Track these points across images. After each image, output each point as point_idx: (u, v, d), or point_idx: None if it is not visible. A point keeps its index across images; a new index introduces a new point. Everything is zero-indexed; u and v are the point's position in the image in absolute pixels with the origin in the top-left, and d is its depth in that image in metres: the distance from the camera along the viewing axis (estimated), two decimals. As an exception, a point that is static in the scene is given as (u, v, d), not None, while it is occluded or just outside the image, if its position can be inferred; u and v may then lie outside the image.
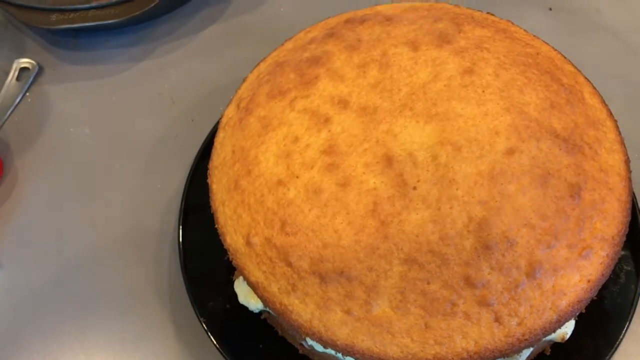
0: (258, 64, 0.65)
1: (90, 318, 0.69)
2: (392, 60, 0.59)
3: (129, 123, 0.82)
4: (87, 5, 0.84)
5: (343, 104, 0.57)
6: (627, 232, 0.53)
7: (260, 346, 0.62)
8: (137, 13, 0.85)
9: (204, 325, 0.61)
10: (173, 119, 0.82)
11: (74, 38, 0.90)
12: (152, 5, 0.85)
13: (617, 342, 0.59)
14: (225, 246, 0.56)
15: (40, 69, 0.88)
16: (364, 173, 0.52)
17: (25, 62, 0.88)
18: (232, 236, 0.55)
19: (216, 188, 0.58)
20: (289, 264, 0.51)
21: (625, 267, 0.63)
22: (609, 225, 0.52)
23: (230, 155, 0.58)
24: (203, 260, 0.66)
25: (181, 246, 0.65)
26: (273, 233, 0.53)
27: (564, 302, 0.50)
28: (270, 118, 0.58)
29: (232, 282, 0.63)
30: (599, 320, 0.61)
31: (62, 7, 0.84)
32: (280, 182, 0.54)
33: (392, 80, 0.57)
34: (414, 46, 0.59)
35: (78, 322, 0.69)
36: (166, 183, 0.76)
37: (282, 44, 0.66)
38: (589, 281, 0.51)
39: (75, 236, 0.74)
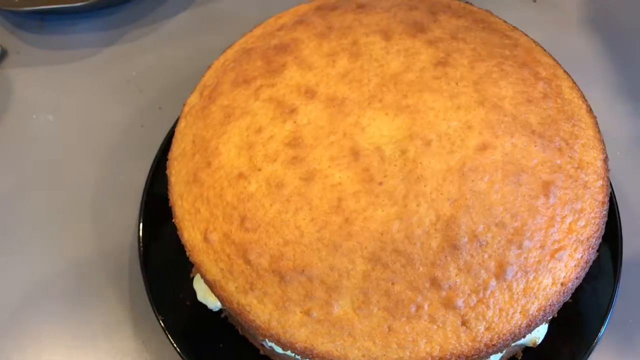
0: (225, 50, 0.62)
1: (46, 313, 0.66)
2: (362, 50, 0.56)
3: (95, 111, 0.79)
4: (53, -12, 0.81)
5: (310, 94, 0.54)
6: (603, 233, 0.51)
7: (221, 345, 0.59)
8: (105, -4, 0.82)
9: (162, 324, 0.58)
10: (140, 107, 0.79)
11: (40, 21, 0.87)
12: (121, -12, 0.83)
13: (593, 346, 0.57)
14: (183, 242, 0.53)
15: (4, 53, 0.85)
16: (329, 167, 0.50)
17: (-12, 45, 0.85)
18: (190, 231, 0.53)
19: (174, 180, 0.55)
20: (248, 262, 0.49)
21: (603, 266, 0.60)
22: (585, 225, 0.50)
23: (190, 146, 0.55)
24: (164, 255, 0.63)
25: (141, 240, 0.63)
26: (232, 229, 0.50)
27: (534, 306, 0.48)
28: (233, 107, 0.55)
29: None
30: (574, 322, 0.59)
31: (27, -11, 0.81)
32: (241, 175, 0.51)
33: (362, 70, 0.55)
34: (387, 35, 0.57)
35: (32, 317, 0.66)
36: (130, 174, 0.73)
37: (251, 30, 0.63)
38: (561, 284, 0.48)
39: (33, 228, 0.71)
